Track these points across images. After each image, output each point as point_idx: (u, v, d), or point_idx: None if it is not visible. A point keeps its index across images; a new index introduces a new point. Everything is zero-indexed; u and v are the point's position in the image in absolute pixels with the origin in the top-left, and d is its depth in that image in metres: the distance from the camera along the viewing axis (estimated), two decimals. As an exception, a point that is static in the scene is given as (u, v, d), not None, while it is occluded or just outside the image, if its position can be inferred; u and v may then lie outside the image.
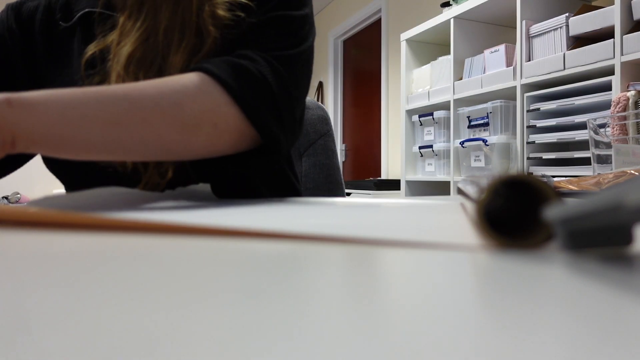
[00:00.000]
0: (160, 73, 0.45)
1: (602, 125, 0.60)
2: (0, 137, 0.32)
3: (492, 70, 1.82)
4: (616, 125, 0.62)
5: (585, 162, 1.46)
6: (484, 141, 1.82)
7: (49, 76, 0.53)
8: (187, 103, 0.39)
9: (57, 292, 0.13)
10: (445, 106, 2.09)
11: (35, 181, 3.37)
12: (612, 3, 1.35)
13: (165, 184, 0.47)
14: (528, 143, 1.65)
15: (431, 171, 2.19)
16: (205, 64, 0.42)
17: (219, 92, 0.41)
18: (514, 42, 1.75)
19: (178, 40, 0.46)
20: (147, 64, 0.45)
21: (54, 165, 0.55)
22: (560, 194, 0.18)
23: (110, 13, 0.52)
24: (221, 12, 0.46)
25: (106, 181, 0.47)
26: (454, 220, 0.30)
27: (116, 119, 0.36)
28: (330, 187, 0.84)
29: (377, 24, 3.38)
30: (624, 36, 1.32)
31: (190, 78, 0.41)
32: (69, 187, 0.56)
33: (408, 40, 2.35)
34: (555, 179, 0.61)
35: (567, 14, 1.51)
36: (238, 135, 0.43)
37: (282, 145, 0.46)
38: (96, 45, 0.48)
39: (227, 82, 0.41)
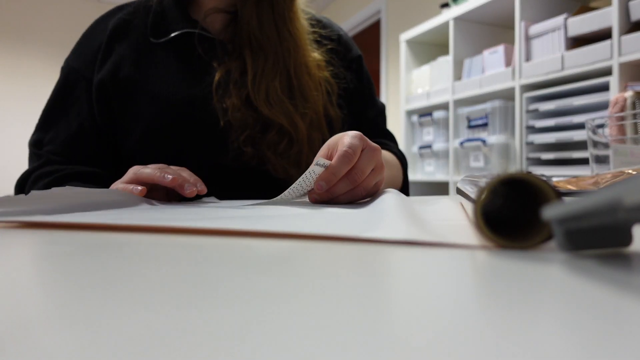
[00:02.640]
0: (303, 103, 0.62)
1: (601, 126, 0.60)
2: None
3: (491, 70, 1.82)
4: (614, 125, 0.62)
5: (584, 162, 1.47)
6: (483, 141, 1.82)
7: (133, 80, 0.61)
8: (399, 175, 0.71)
9: (56, 291, 0.13)
10: (444, 106, 2.09)
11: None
12: (610, 4, 1.36)
13: None
14: (527, 143, 1.65)
15: (430, 171, 2.19)
16: (394, 150, 0.74)
17: (400, 170, 0.73)
18: (513, 43, 1.75)
19: (307, 75, 0.63)
20: (286, 95, 0.61)
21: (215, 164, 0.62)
22: (560, 193, 0.19)
23: (209, 35, 0.63)
24: (316, 55, 0.66)
25: (257, 179, 0.61)
26: (453, 219, 0.30)
27: (394, 172, 0.68)
28: None
29: (376, 25, 3.38)
30: (621, 37, 1.33)
31: (395, 160, 0.72)
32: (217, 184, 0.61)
33: (407, 41, 2.35)
34: (554, 179, 0.61)
35: (565, 15, 1.51)
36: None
37: None
38: (220, 71, 0.60)
39: (404, 167, 0.74)
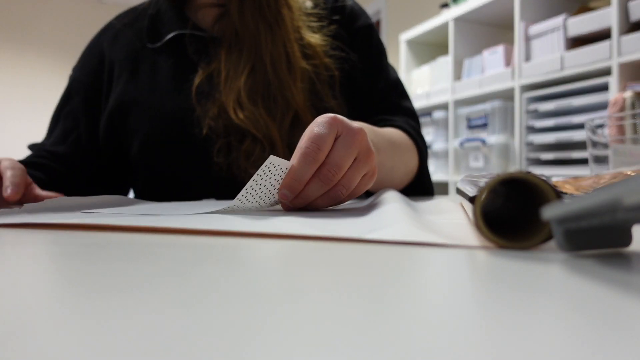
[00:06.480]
0: (284, 104, 0.57)
1: (600, 126, 0.60)
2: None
3: (490, 70, 1.82)
4: (613, 125, 0.62)
5: (584, 162, 1.47)
6: (483, 141, 1.82)
7: (130, 96, 0.61)
8: (412, 158, 0.59)
9: (56, 291, 0.13)
10: (444, 106, 2.09)
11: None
12: (609, 4, 1.36)
13: None
14: (526, 143, 1.65)
15: (430, 171, 2.19)
16: (404, 126, 0.61)
17: (414, 151, 0.61)
18: (513, 43, 1.75)
19: (287, 70, 0.57)
20: (260, 95, 0.56)
21: (171, 167, 0.60)
22: (560, 193, 0.19)
23: (200, 34, 0.60)
24: (313, 40, 0.59)
25: (220, 184, 0.57)
26: (453, 219, 0.30)
27: (397, 160, 0.55)
28: None
29: (376, 25, 3.38)
30: (621, 37, 1.33)
31: (405, 138, 0.59)
32: (180, 191, 0.60)
33: (407, 41, 2.35)
34: (554, 179, 0.61)
35: (565, 15, 1.51)
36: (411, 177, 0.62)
37: None
38: (201, 74, 0.58)
39: (420, 147, 0.62)
